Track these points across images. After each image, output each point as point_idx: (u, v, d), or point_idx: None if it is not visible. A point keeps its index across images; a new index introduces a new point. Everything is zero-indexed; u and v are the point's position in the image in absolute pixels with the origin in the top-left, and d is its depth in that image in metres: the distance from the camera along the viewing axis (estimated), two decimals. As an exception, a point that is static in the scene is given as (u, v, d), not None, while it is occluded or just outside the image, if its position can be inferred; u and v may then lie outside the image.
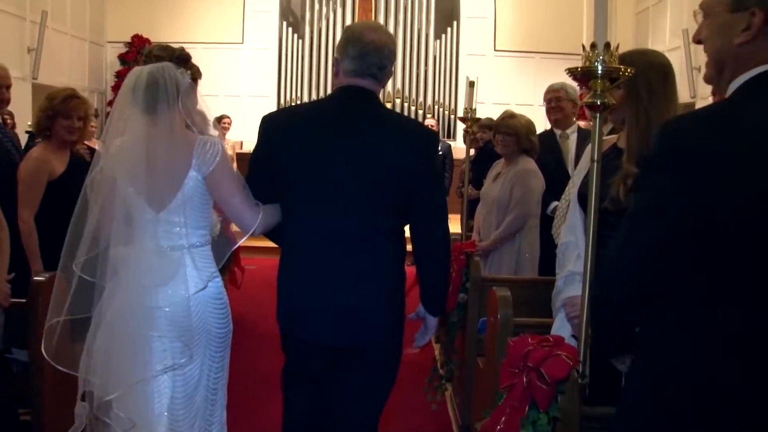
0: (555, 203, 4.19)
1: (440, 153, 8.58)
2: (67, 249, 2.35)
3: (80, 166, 3.65)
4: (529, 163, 4.09)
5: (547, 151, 4.28)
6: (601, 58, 1.64)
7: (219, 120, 8.86)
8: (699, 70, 8.86)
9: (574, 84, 4.68)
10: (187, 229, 2.35)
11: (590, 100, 1.68)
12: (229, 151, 8.48)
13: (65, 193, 3.51)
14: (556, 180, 4.14)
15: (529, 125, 4.18)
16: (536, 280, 3.57)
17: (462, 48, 13.58)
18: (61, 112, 3.51)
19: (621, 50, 1.79)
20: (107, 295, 2.32)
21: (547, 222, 4.10)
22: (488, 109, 9.08)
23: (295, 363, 2.48)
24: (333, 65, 2.48)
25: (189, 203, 2.33)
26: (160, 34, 13.15)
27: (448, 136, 12.63)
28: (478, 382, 3.21)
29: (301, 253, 2.36)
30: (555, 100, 4.44)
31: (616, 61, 1.65)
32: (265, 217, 2.35)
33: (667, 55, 2.54)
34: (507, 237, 4.04)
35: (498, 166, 4.31)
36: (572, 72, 1.69)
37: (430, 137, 2.48)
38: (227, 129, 9.68)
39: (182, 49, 2.47)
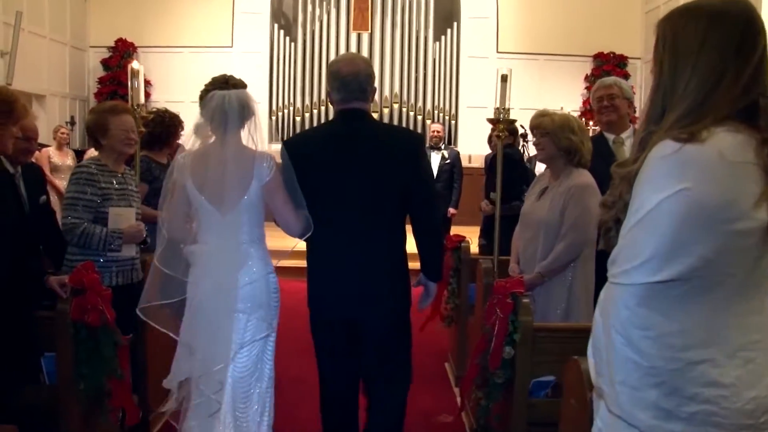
0: (613, 224, 3.41)
1: (447, 161, 7.84)
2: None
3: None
4: (584, 176, 3.24)
5: (599, 160, 3.45)
6: None
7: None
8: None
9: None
10: (250, 227, 2.80)
11: None
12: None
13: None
14: (612, 195, 3.35)
15: (566, 121, 3.27)
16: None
17: (463, 50, 13.10)
18: None
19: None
20: (190, 288, 2.76)
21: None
22: (492, 114, 8.31)
23: (324, 341, 2.97)
24: (326, 95, 3.53)
25: (251, 207, 2.77)
26: (145, 38, 12.59)
27: (449, 143, 11.86)
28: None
29: (325, 248, 2.87)
30: (608, 98, 3.63)
31: None
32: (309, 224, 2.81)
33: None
34: (557, 269, 3.21)
35: (543, 179, 3.48)
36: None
37: (414, 138, 3.09)
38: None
39: (240, 81, 2.87)
